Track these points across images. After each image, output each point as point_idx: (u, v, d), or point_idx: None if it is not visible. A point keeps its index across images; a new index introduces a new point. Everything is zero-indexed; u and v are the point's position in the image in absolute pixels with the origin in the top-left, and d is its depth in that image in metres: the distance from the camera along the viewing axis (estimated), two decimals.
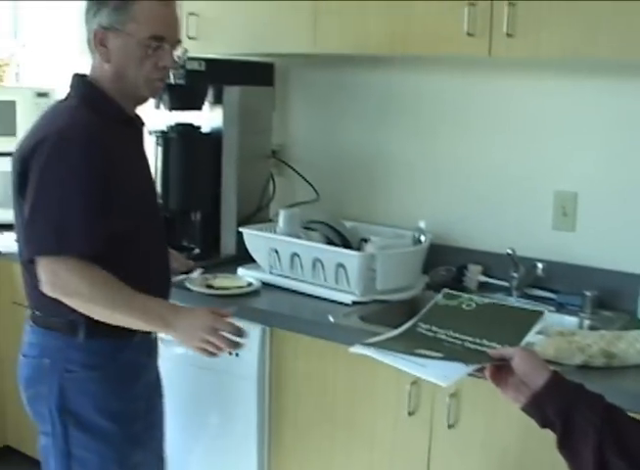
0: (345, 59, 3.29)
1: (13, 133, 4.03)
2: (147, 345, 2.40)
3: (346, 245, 3.02)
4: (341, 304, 2.76)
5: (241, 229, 3.05)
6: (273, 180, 3.51)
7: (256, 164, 3.39)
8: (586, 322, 2.69)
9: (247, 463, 2.82)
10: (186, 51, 2.30)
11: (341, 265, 2.74)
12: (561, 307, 2.80)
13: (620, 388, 2.14)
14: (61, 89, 4.08)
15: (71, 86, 2.30)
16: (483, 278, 3.02)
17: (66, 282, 2.08)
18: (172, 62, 2.26)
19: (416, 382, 2.38)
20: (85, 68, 4.15)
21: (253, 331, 2.65)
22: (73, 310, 2.14)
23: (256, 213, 3.37)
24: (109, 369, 2.25)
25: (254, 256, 3.03)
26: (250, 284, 2.91)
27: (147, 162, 2.41)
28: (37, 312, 2.28)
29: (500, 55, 2.59)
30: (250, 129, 3.33)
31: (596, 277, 2.82)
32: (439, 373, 1.60)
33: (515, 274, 2.90)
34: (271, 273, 2.97)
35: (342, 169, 3.45)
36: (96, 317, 2.13)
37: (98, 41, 2.20)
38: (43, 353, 2.25)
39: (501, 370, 1.58)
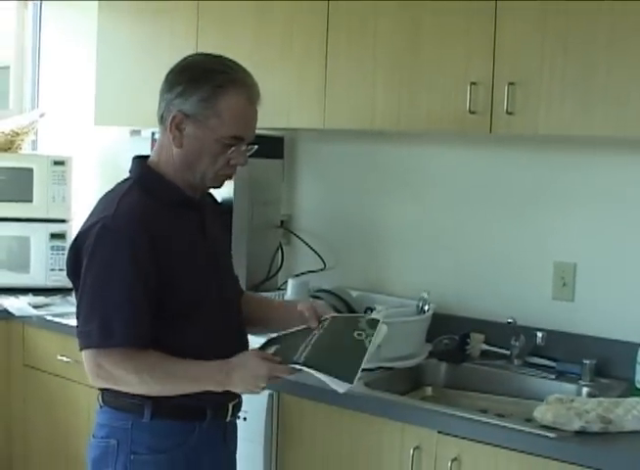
0: (352, 133, 3.39)
1: (29, 200, 4.13)
2: (220, 428, 2.26)
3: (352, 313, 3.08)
4: None
5: None
6: (282, 250, 3.59)
7: (265, 233, 3.49)
8: (585, 390, 2.75)
9: None
10: (252, 148, 2.21)
11: None
12: (560, 375, 2.86)
13: (616, 453, 2.20)
14: (77, 158, 4.22)
15: (130, 170, 2.24)
16: (485, 347, 3.09)
17: (110, 373, 2.05)
18: (245, 161, 2.19)
19: (418, 447, 2.44)
20: (101, 137, 4.18)
21: (261, 396, 2.71)
22: None
23: (265, 282, 3.45)
24: (176, 453, 2.16)
25: None
26: None
27: (212, 241, 2.28)
28: (107, 392, 2.18)
29: (500, 132, 2.71)
30: (259, 200, 3.43)
31: (594, 346, 2.88)
32: None
33: (515, 343, 2.97)
34: None
35: (349, 240, 3.53)
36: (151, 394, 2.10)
37: (174, 124, 2.12)
38: (110, 434, 2.16)
39: None
